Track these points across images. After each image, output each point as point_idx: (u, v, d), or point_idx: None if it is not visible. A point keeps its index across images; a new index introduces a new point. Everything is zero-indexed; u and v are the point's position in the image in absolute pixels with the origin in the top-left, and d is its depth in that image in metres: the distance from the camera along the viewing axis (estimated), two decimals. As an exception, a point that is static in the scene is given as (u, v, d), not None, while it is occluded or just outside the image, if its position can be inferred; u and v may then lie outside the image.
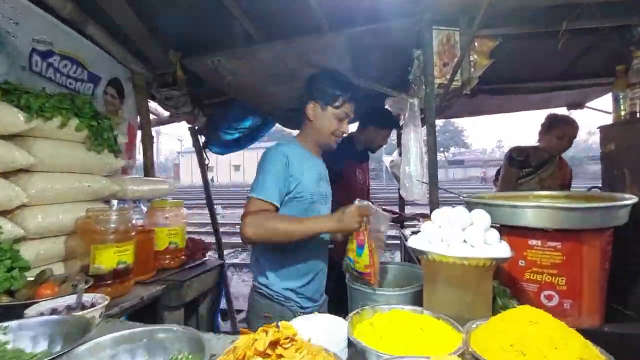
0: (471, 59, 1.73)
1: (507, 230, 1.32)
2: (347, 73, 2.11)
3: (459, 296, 1.13)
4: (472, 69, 1.75)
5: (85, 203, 1.63)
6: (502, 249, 1.09)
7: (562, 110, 3.31)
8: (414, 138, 1.73)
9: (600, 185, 1.78)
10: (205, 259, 2.16)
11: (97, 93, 2.11)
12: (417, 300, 1.25)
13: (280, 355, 0.67)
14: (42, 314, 1.04)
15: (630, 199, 1.24)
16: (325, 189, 1.57)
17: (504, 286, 1.28)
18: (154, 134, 2.70)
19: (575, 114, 3.15)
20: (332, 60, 2.01)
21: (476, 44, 1.73)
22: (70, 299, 1.12)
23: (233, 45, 2.09)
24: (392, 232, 4.13)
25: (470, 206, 1.33)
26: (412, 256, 2.47)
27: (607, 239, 1.27)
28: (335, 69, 1.73)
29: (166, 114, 2.99)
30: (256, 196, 1.33)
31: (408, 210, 3.37)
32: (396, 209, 3.28)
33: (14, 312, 1.04)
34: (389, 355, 0.83)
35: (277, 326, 0.73)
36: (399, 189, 2.91)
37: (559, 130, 2.45)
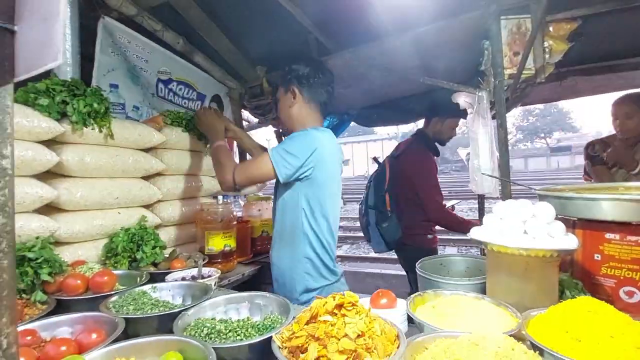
0: (546, 45, 1.67)
1: (582, 224, 1.29)
2: (416, 72, 2.20)
3: (521, 286, 1.16)
4: (548, 55, 1.68)
5: (200, 198, 2.07)
6: (565, 241, 1.10)
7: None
8: (483, 131, 1.74)
9: None
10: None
11: (203, 108, 2.58)
12: (484, 291, 1.29)
13: (344, 315, 0.86)
14: (176, 280, 1.43)
15: None
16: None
17: (577, 280, 1.26)
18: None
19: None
20: (398, 61, 2.12)
21: (551, 28, 1.65)
22: (194, 271, 1.49)
23: (308, 56, 2.34)
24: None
25: (543, 199, 1.33)
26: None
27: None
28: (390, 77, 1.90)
29: (256, 120, 3.42)
30: (271, 158, 1.52)
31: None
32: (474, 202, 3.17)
33: (158, 277, 1.44)
34: (439, 329, 0.96)
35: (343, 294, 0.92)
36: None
37: (613, 113, 2.20)
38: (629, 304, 1.20)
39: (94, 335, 0.91)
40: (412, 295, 1.20)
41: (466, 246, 6.41)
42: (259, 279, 2.01)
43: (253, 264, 2.06)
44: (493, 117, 1.84)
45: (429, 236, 2.42)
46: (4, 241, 0.51)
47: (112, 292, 1.22)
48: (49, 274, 1.19)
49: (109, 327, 0.96)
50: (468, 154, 2.64)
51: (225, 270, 1.76)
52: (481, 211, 3.09)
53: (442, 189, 2.52)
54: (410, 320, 1.11)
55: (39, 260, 1.18)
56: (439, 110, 2.36)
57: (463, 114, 2.06)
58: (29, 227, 1.27)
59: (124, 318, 1.00)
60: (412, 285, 2.37)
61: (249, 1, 2.05)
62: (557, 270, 1.17)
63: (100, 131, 1.51)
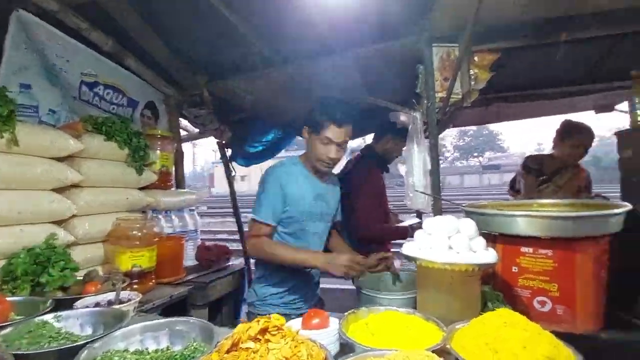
0: (471, 73, 1.81)
1: (502, 238, 1.39)
2: (358, 90, 2.26)
3: (447, 300, 1.21)
4: (473, 82, 1.83)
5: (124, 213, 1.88)
6: (486, 255, 1.17)
7: (589, 114, 3.23)
8: (417, 150, 1.83)
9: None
10: (228, 263, 2.36)
11: (135, 116, 2.39)
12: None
13: (268, 340, 0.81)
14: (87, 307, 1.26)
15: (624, 207, 1.27)
16: (321, 208, 1.65)
17: (498, 291, 1.35)
18: (190, 146, 3.00)
19: (605, 116, 3.06)
20: (342, 79, 2.16)
21: (476, 58, 1.81)
22: (111, 295, 1.33)
23: (252, 67, 2.30)
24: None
25: (469, 215, 1.41)
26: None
27: (602, 247, 1.30)
28: (331, 94, 1.84)
29: (196, 130, 3.27)
30: (255, 217, 1.53)
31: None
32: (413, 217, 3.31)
33: (66, 304, 1.26)
34: (369, 348, 0.95)
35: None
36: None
37: (574, 139, 2.41)
38: (542, 313, 1.30)
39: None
40: (346, 314, 1.19)
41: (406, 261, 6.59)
42: (191, 301, 1.87)
43: (184, 284, 1.91)
44: (426, 137, 1.95)
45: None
46: None
47: (5, 324, 1.04)
48: None
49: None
50: (406, 172, 2.77)
51: (142, 292, 1.60)
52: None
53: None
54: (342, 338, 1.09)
55: None
56: (392, 129, 2.40)
57: None
58: None
59: (14, 354, 0.84)
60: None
61: (188, 7, 1.96)
62: (479, 283, 1.23)
63: (2, 136, 1.31)
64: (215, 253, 2.28)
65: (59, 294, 1.37)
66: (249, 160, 3.52)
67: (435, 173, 1.76)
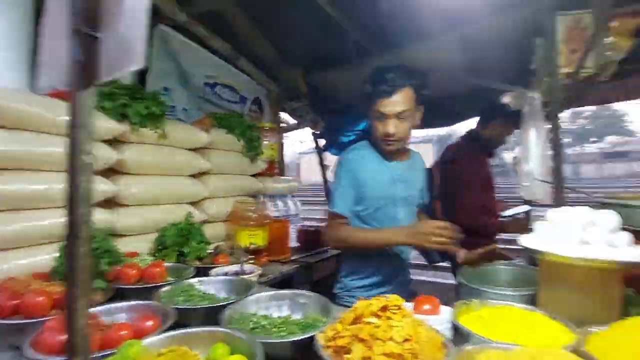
0: (608, 41, 1.55)
1: (649, 235, 1.18)
2: (461, 73, 2.13)
3: (578, 301, 1.09)
4: (611, 52, 1.56)
5: (241, 197, 2.14)
6: (631, 252, 1.01)
7: None
8: (535, 134, 1.65)
9: None
10: (326, 247, 2.49)
11: (245, 111, 2.67)
12: (531, 303, 1.23)
13: (389, 317, 0.85)
14: (219, 275, 1.48)
15: None
16: (400, 191, 1.48)
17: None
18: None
19: None
20: (443, 61, 2.06)
21: (615, 23, 1.54)
22: (236, 267, 1.54)
23: (348, 58, 2.35)
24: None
25: (607, 207, 1.23)
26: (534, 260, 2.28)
27: None
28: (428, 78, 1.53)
29: (293, 122, 3.49)
30: (330, 210, 1.46)
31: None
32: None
33: (202, 271, 1.51)
34: (488, 339, 0.91)
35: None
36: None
37: None
38: None
39: (149, 323, 0.97)
40: (457, 303, 1.16)
41: (517, 256, 6.01)
42: (297, 279, 2.04)
43: (292, 262, 2.09)
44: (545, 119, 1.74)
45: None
46: (84, 230, 0.55)
47: (163, 283, 1.29)
48: (108, 263, 1.28)
49: (162, 316, 1.02)
50: (515, 157, 2.51)
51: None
52: (528, 219, 2.92)
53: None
54: (454, 329, 1.07)
55: (100, 251, 1.28)
56: (503, 112, 2.20)
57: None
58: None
59: (175, 308, 1.05)
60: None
61: (290, 5, 2.09)
62: (621, 285, 1.08)
63: (156, 132, 1.61)
64: (314, 237, 2.42)
65: (197, 263, 1.64)
66: (342, 149, 3.61)
67: (558, 159, 1.57)
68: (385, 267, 1.54)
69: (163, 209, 1.70)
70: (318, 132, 3.56)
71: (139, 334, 0.92)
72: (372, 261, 1.52)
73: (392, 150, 1.42)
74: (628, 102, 3.25)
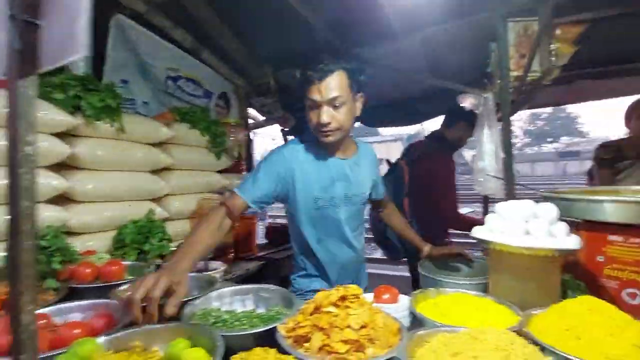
0: (552, 48, 1.67)
1: (586, 226, 1.30)
2: (423, 74, 2.21)
3: (523, 286, 1.18)
4: (554, 58, 1.69)
5: (204, 194, 2.10)
6: (568, 241, 1.11)
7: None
8: (488, 133, 1.76)
9: None
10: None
11: (210, 106, 2.61)
12: (486, 292, 1.29)
13: (347, 307, 0.88)
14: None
15: None
16: (340, 191, 1.38)
17: (580, 281, 1.27)
18: (250, 135, 3.19)
19: None
20: (406, 62, 2.13)
21: (558, 31, 1.66)
22: (200, 264, 1.52)
23: (317, 55, 2.37)
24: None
25: (549, 201, 1.34)
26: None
27: None
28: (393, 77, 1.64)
29: (262, 118, 3.46)
30: (235, 189, 1.31)
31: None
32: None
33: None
34: (440, 324, 0.97)
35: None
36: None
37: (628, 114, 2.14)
38: (631, 306, 1.20)
39: (105, 321, 0.94)
40: (414, 292, 1.22)
41: (472, 249, 6.37)
42: (263, 276, 2.04)
43: (257, 259, 2.09)
44: (498, 120, 1.86)
45: (446, 240, 2.41)
46: (27, 224, 0.54)
47: (121, 282, 1.25)
48: (60, 262, 1.22)
49: (118, 314, 0.99)
50: (473, 156, 2.65)
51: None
52: (486, 213, 3.10)
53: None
54: (412, 317, 1.13)
55: (51, 249, 1.22)
56: (465, 115, 2.27)
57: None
58: (42, 216, 1.31)
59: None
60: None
61: (259, 1, 2.07)
62: (559, 270, 1.18)
63: (112, 125, 1.55)
64: (282, 233, 2.43)
65: (158, 261, 1.60)
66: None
67: (508, 156, 1.68)
68: (338, 266, 1.46)
69: (122, 205, 1.63)
70: (287, 130, 3.55)
71: (94, 333, 0.89)
72: (325, 259, 1.43)
73: (329, 142, 1.29)
74: (578, 104, 3.52)
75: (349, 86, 1.24)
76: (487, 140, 1.75)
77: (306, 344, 0.84)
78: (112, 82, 1.63)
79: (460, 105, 2.40)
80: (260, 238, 2.36)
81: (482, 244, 1.26)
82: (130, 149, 1.64)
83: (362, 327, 0.85)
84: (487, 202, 3.12)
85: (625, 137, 2.32)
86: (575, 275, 1.31)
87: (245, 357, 0.72)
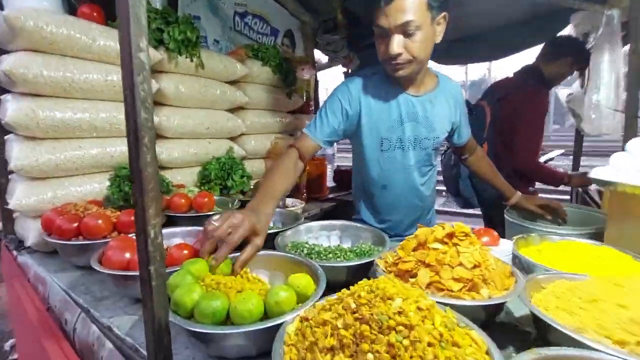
0: None
1: None
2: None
3: (653, 233, 1.01)
4: None
5: (277, 134, 2.09)
6: None
7: None
8: (609, 60, 1.45)
9: None
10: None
11: (277, 44, 2.51)
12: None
13: (456, 244, 0.81)
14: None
15: None
16: (409, 132, 1.24)
17: None
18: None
19: None
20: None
21: None
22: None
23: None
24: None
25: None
26: (586, 202, 2.16)
27: None
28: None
29: (324, 61, 3.28)
30: (304, 130, 1.24)
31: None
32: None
33: (246, 204, 1.51)
34: (555, 270, 0.87)
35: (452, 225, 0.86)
36: (576, 131, 2.47)
37: None
38: None
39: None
40: (515, 238, 1.11)
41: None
42: (334, 216, 2.04)
43: (330, 200, 2.09)
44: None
45: (530, 189, 2.18)
46: (146, 136, 0.52)
47: (213, 212, 1.30)
48: (160, 191, 1.30)
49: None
50: (570, 94, 2.28)
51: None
52: (577, 163, 2.74)
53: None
54: (514, 263, 1.03)
55: (149, 179, 1.28)
56: (576, 52, 1.92)
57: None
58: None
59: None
60: None
61: None
62: None
63: (192, 60, 1.53)
64: (350, 177, 2.38)
65: (240, 197, 1.65)
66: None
67: (635, 88, 1.39)
68: (401, 218, 1.37)
69: (203, 142, 1.67)
70: (350, 72, 3.36)
71: (198, 255, 0.93)
72: (383, 207, 1.36)
73: (401, 76, 1.13)
74: None
75: (426, 6, 1.03)
76: (606, 67, 1.45)
77: (412, 279, 0.80)
78: (190, 14, 1.58)
79: (568, 37, 2.02)
80: (329, 181, 2.34)
81: (605, 185, 1.08)
82: (209, 85, 1.63)
83: (475, 266, 0.78)
84: (579, 154, 2.74)
85: None
86: None
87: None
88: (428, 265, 0.80)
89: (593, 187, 2.24)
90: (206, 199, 1.31)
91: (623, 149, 1.09)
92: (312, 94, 2.42)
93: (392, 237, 1.23)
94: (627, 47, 1.49)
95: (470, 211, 3.63)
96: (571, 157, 2.70)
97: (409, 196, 1.34)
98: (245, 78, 1.84)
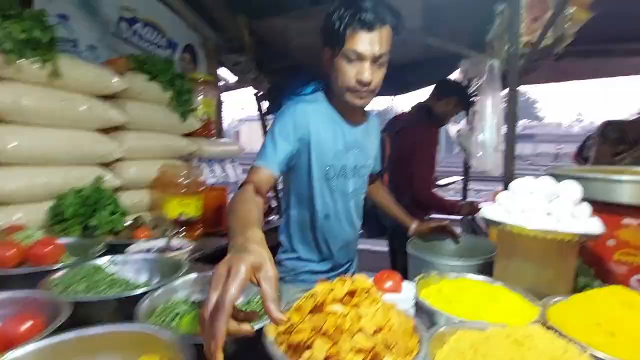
0: (568, 12, 1.52)
1: (597, 207, 1.19)
2: (418, 33, 1.99)
3: (536, 271, 1.07)
4: (567, 25, 1.54)
5: (168, 160, 1.80)
6: (592, 225, 0.99)
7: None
8: (492, 104, 1.60)
9: None
10: (269, 218, 2.29)
11: (174, 59, 2.24)
12: (483, 273, 1.20)
13: (356, 305, 0.70)
14: (139, 252, 1.20)
15: None
16: (351, 161, 1.24)
17: (587, 265, 1.19)
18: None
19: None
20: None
21: (575, -7, 1.51)
22: (162, 242, 1.26)
23: (300, 5, 2.06)
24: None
25: (558, 178, 1.22)
26: (474, 229, 2.37)
27: None
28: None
29: (233, 80, 3.11)
30: (256, 162, 1.12)
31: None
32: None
33: (118, 249, 1.21)
34: (458, 319, 0.83)
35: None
36: (465, 161, 2.76)
37: None
38: (640, 293, 1.14)
39: (27, 324, 0.69)
40: (417, 278, 1.07)
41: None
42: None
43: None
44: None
45: (425, 218, 2.30)
46: None
47: (57, 267, 0.98)
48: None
49: (50, 312, 0.74)
50: (459, 131, 2.53)
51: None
52: (465, 191, 3.05)
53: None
54: (415, 305, 0.98)
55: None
56: (460, 91, 2.15)
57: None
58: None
59: (71, 301, 0.77)
60: (398, 269, 2.26)
61: None
62: (576, 255, 1.07)
63: (43, 67, 1.20)
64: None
65: (109, 238, 1.32)
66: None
67: (512, 130, 1.55)
68: (335, 240, 1.31)
69: (62, 170, 1.31)
70: (261, 94, 3.24)
71: (8, 342, 0.64)
72: (317, 236, 1.27)
73: (359, 105, 1.11)
74: (582, 80, 3.43)
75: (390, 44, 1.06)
76: (489, 111, 1.60)
77: (307, 352, 0.65)
78: (42, 10, 1.25)
79: (452, 80, 2.26)
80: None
81: (492, 225, 1.12)
82: (69, 99, 1.30)
83: (377, 330, 0.67)
84: (466, 181, 3.06)
85: (632, 119, 2.33)
86: (586, 261, 1.22)
87: None
88: (325, 334, 0.66)
89: (479, 216, 2.49)
90: (48, 248, 0.98)
91: (506, 188, 1.15)
92: (214, 116, 2.20)
93: (329, 271, 1.32)
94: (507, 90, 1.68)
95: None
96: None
97: (345, 225, 1.32)
98: (125, 93, 1.54)
